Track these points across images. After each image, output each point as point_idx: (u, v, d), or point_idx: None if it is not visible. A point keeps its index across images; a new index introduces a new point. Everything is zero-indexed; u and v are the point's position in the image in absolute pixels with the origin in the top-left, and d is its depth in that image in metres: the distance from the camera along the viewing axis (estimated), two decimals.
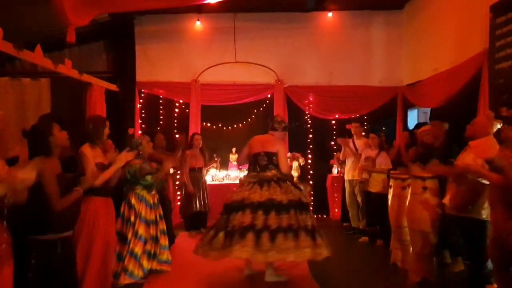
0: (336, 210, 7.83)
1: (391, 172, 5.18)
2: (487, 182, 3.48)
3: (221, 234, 4.17)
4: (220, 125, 8.13)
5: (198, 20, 7.79)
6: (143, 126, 7.82)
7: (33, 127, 2.91)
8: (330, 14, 7.91)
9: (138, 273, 4.09)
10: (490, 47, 5.01)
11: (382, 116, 7.72)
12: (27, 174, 2.56)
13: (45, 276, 2.70)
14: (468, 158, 3.81)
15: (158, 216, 4.43)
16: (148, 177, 4.30)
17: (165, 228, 4.54)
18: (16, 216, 2.74)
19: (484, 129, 3.79)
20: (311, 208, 7.32)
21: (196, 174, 6.55)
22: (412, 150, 5.13)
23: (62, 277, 2.78)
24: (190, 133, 7.50)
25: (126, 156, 3.63)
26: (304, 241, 4.03)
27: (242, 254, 4.01)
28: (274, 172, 4.41)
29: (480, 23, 5.20)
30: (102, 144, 3.85)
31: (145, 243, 4.15)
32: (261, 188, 4.30)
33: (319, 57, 8.02)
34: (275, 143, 4.52)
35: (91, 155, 3.60)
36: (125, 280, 3.99)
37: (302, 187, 4.74)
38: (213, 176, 7.62)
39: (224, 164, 7.86)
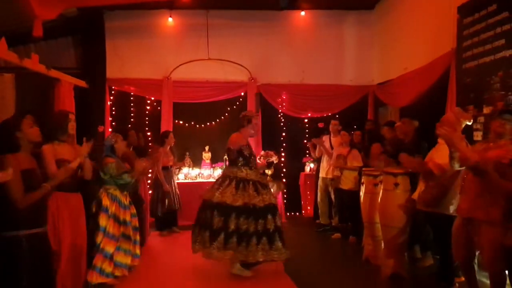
0: (309, 207, 7.90)
1: (363, 169, 5.27)
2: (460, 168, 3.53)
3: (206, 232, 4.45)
4: (192, 123, 8.03)
5: (170, 16, 7.66)
6: (113, 123, 7.62)
7: (1, 122, 2.87)
8: (302, 13, 7.96)
9: (108, 270, 4.01)
10: (457, 47, 5.16)
11: (354, 114, 7.81)
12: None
13: (13, 273, 2.63)
14: (437, 155, 3.91)
15: (131, 215, 4.36)
16: (125, 176, 4.21)
17: (137, 224, 4.49)
18: None
19: (452, 127, 3.89)
20: (283, 206, 7.51)
21: (169, 173, 6.46)
22: (376, 146, 5.27)
23: (33, 274, 2.70)
24: (162, 131, 7.41)
25: (85, 147, 3.48)
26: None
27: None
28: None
29: (448, 24, 5.35)
30: (67, 139, 3.73)
31: (117, 241, 4.08)
32: (236, 189, 4.46)
33: (291, 56, 8.06)
34: (230, 139, 4.73)
35: (52, 153, 3.48)
36: (96, 279, 3.91)
37: (271, 187, 4.91)
38: (186, 174, 7.53)
39: (197, 163, 7.79)
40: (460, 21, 5.10)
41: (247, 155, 4.64)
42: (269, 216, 4.44)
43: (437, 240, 4.23)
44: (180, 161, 7.32)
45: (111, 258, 4.01)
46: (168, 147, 6.51)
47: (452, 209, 3.83)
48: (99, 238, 3.97)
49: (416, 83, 5.99)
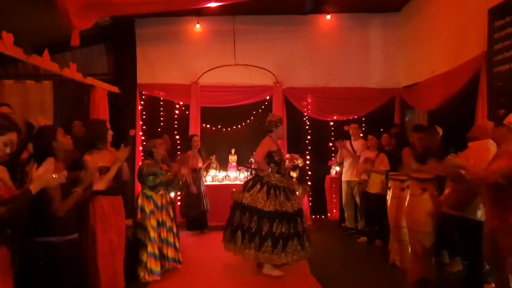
0: (334, 210, 7.90)
1: (390, 173, 5.26)
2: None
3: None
4: (219, 126, 8.19)
5: (198, 23, 7.84)
6: (144, 127, 7.87)
7: (38, 130, 2.97)
8: (328, 16, 7.99)
9: (157, 268, 4.41)
10: (488, 50, 5.05)
11: (380, 117, 7.78)
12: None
13: (51, 278, 2.70)
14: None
15: (166, 216, 4.58)
16: (150, 178, 4.43)
17: (174, 227, 4.71)
18: (21, 220, 2.73)
19: (484, 133, 3.86)
20: (308, 209, 7.56)
21: (197, 175, 6.66)
22: (407, 151, 5.23)
23: (69, 279, 2.79)
24: (190, 135, 7.63)
25: (123, 152, 3.68)
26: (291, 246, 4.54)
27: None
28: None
29: (478, 26, 5.26)
30: (106, 147, 3.88)
31: (155, 242, 4.40)
32: (267, 195, 4.58)
33: (317, 59, 8.08)
34: (259, 145, 4.78)
35: (92, 162, 3.62)
36: (148, 278, 4.34)
37: (297, 190, 5.00)
38: (213, 176, 7.69)
39: (224, 165, 7.92)
40: (491, 24, 5.00)
41: (278, 160, 4.72)
42: (299, 219, 4.60)
43: (465, 246, 4.19)
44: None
45: (158, 257, 4.40)
46: (196, 150, 6.70)
47: (479, 214, 3.81)
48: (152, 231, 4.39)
49: (445, 86, 5.91)
